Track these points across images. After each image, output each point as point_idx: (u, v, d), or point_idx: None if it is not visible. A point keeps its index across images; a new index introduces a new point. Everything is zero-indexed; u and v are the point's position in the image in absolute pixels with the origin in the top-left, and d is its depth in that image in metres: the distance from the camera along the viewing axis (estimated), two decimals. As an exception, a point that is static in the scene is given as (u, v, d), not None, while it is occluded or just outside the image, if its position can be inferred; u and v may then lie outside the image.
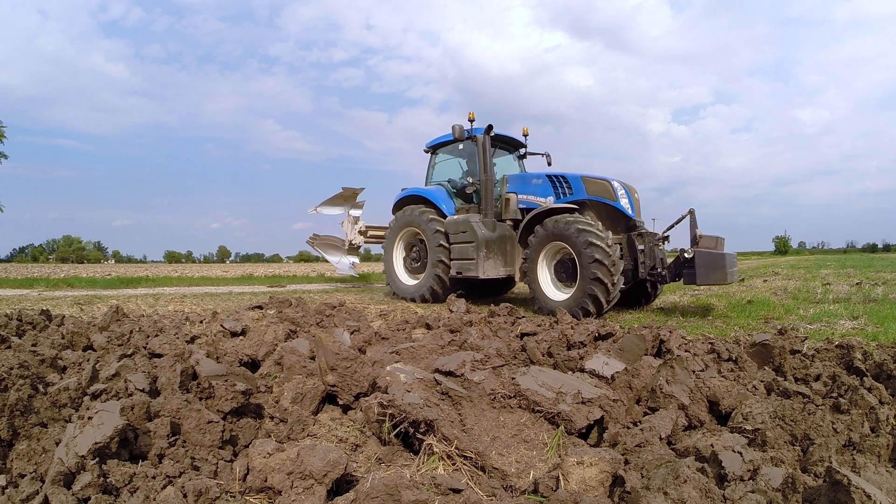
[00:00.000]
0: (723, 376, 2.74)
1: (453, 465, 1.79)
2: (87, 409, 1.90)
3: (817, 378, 2.67)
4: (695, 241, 6.64)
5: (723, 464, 1.59)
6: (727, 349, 3.15)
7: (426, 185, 9.43)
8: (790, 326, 4.95)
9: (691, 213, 6.76)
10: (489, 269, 7.72)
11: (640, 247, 7.01)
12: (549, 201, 7.45)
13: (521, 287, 10.37)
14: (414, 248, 8.95)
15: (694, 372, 2.66)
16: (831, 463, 1.54)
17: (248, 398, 2.18)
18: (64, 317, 4.57)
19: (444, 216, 8.53)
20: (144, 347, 3.24)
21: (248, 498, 1.63)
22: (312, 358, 2.82)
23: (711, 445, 1.76)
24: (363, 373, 2.52)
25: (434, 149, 9.41)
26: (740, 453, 1.62)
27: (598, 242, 6.30)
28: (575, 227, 6.51)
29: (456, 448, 1.82)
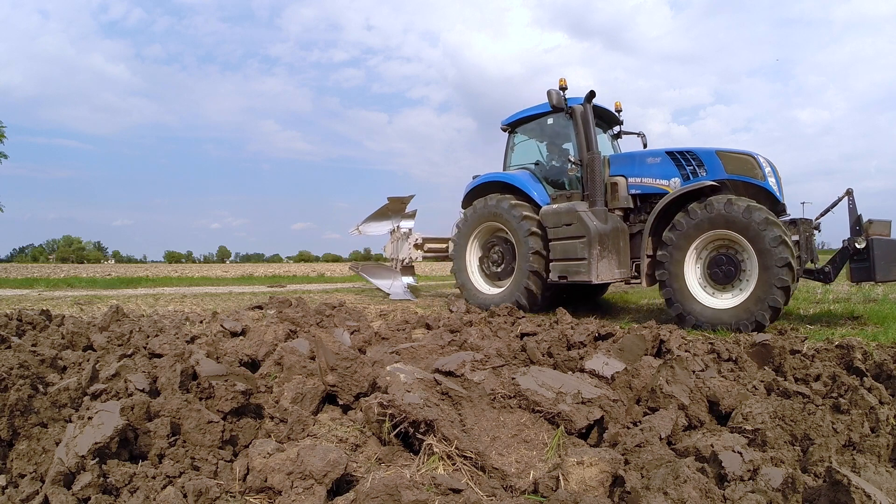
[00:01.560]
0: (723, 376, 2.74)
1: (453, 465, 1.79)
2: (87, 409, 1.90)
3: (817, 378, 2.67)
4: (857, 227, 5.41)
5: (723, 464, 1.59)
6: (727, 349, 3.16)
7: (504, 170, 7.78)
8: (790, 326, 4.95)
9: (849, 193, 5.50)
10: (604, 272, 6.19)
11: (795, 237, 5.50)
12: (675, 183, 6.04)
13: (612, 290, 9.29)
14: (494, 248, 7.40)
15: (694, 372, 2.66)
16: (831, 463, 1.54)
17: (248, 398, 2.18)
18: (64, 317, 4.57)
19: (538, 206, 6.95)
20: (144, 347, 3.24)
21: (248, 498, 1.62)
22: (312, 358, 2.82)
23: (711, 445, 1.76)
24: (363, 373, 2.52)
25: (514, 126, 7.75)
26: (740, 453, 1.62)
27: (788, 241, 5.06)
28: (760, 217, 5.08)
29: (456, 448, 1.82)
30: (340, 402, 2.47)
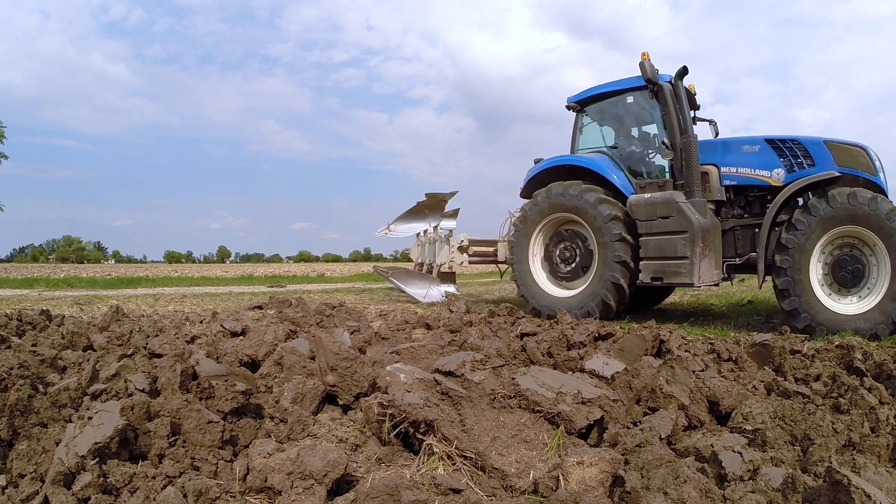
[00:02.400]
0: (723, 376, 2.74)
1: (453, 465, 1.79)
2: (87, 409, 1.90)
3: (817, 378, 2.67)
4: None
5: (723, 464, 1.59)
6: (727, 349, 3.15)
7: (573, 153, 6.89)
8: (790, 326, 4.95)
9: None
10: (705, 273, 5.50)
11: None
12: (778, 175, 5.47)
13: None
14: (562, 244, 6.46)
15: (694, 372, 2.66)
16: (831, 463, 1.54)
17: (248, 398, 2.18)
18: (64, 317, 4.57)
19: (620, 196, 6.08)
20: (144, 347, 3.24)
21: (248, 498, 1.62)
22: (312, 358, 2.82)
23: (711, 445, 1.76)
24: (363, 373, 2.52)
25: (583, 104, 6.80)
26: (740, 453, 1.62)
27: None
28: (887, 209, 4.68)
29: (456, 448, 1.82)
30: (340, 402, 2.47)
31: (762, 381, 2.54)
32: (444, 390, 2.16)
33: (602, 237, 5.92)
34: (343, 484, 1.65)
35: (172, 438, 1.89)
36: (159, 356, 3.03)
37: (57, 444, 1.76)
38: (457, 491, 1.50)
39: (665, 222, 5.56)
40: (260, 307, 6.27)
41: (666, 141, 5.89)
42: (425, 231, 8.83)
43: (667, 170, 6.09)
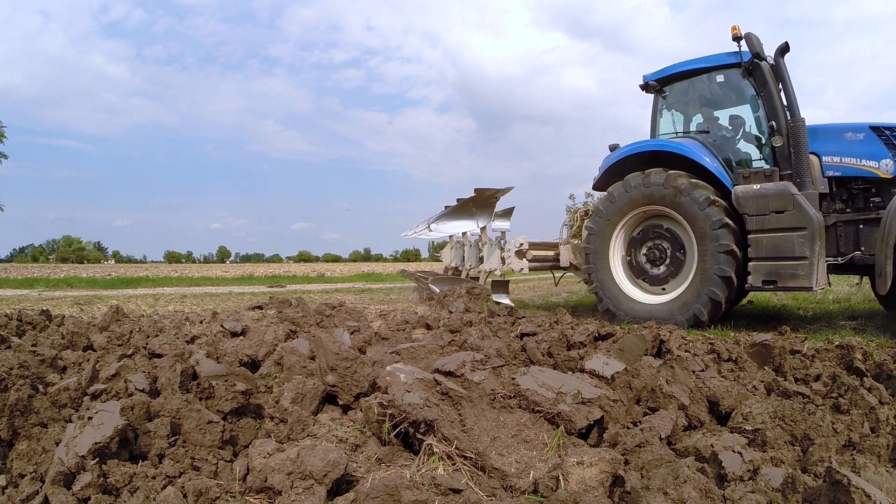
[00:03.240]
0: (723, 376, 2.73)
1: (453, 465, 1.79)
2: (87, 409, 1.90)
3: (817, 378, 2.67)
4: None
5: (723, 464, 1.59)
6: (727, 349, 3.15)
7: (653, 138, 6.13)
8: (790, 326, 4.95)
9: None
10: (821, 276, 4.91)
11: None
12: (886, 166, 4.92)
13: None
14: (648, 243, 5.74)
15: (694, 372, 2.66)
16: (831, 463, 1.54)
17: (248, 398, 2.18)
18: (64, 317, 4.57)
19: (719, 186, 5.39)
20: (144, 347, 3.24)
21: (248, 498, 1.62)
22: (312, 358, 2.82)
23: (711, 445, 1.76)
24: (363, 373, 2.52)
25: (664, 83, 6.08)
26: (740, 453, 1.61)
27: None
28: None
29: (456, 448, 1.82)
30: (340, 402, 2.47)
31: (762, 381, 2.54)
32: (444, 390, 2.16)
33: (700, 227, 5.18)
34: (343, 484, 1.65)
35: (172, 438, 1.89)
36: (159, 356, 3.03)
37: (57, 444, 1.76)
38: (457, 491, 1.50)
39: (779, 217, 4.90)
40: (260, 307, 6.27)
41: (774, 124, 5.23)
42: (464, 233, 7.88)
43: (762, 158, 5.48)
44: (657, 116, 6.18)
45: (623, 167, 5.88)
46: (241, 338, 3.85)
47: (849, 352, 3.10)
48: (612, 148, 6.23)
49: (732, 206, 5.22)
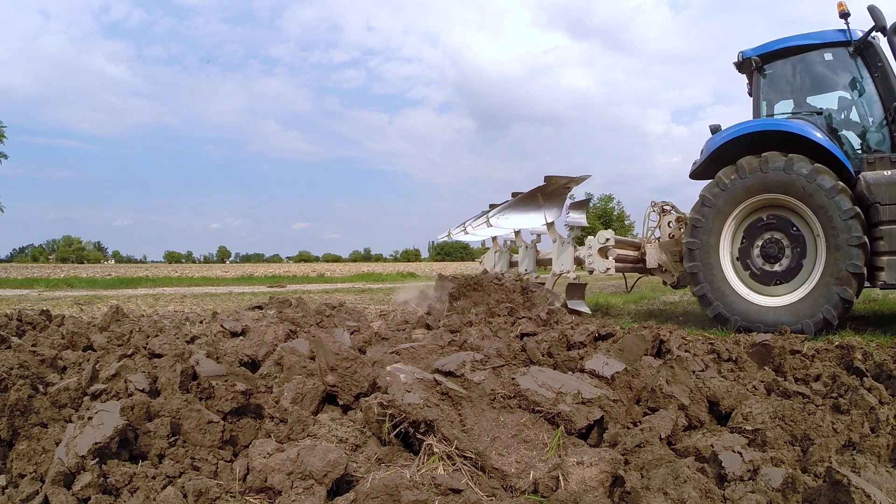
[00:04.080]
0: (723, 376, 2.73)
1: (453, 465, 1.79)
2: (87, 409, 1.90)
3: (817, 378, 2.67)
4: None
5: (723, 464, 1.59)
6: (727, 349, 3.15)
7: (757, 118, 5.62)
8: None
9: None
10: None
11: None
12: None
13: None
14: (765, 236, 5.14)
15: (694, 372, 2.66)
16: (831, 463, 1.54)
17: (248, 398, 2.18)
18: (64, 317, 4.57)
19: (843, 172, 4.89)
20: (144, 347, 3.24)
21: (248, 498, 1.62)
22: (312, 358, 2.82)
23: (711, 445, 1.76)
24: (363, 373, 2.52)
25: (766, 59, 5.60)
26: (740, 453, 1.62)
27: None
28: None
29: (456, 448, 1.82)
30: (340, 402, 2.47)
31: (762, 381, 2.54)
32: (444, 390, 2.16)
33: (828, 217, 4.66)
34: (343, 484, 1.65)
35: (172, 438, 1.89)
36: (159, 356, 3.03)
37: (57, 444, 1.76)
38: (457, 491, 1.50)
39: None
40: (260, 307, 6.27)
41: None
42: (517, 232, 7.05)
43: (880, 142, 5.04)
44: (759, 95, 5.60)
45: (726, 152, 5.28)
46: (241, 338, 3.85)
47: (849, 352, 3.10)
48: (714, 129, 5.64)
49: (855, 194, 4.76)
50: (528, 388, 2.16)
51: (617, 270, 6.34)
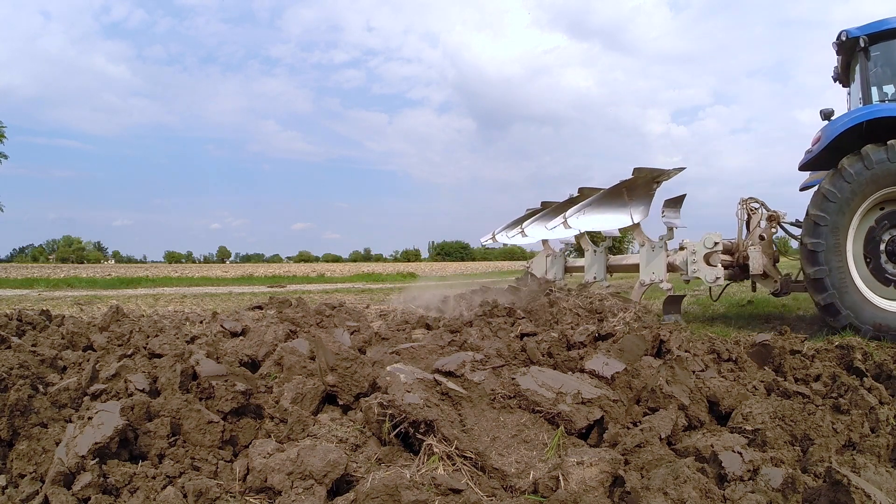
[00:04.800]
0: (723, 376, 2.73)
1: (453, 465, 1.79)
2: (87, 409, 1.90)
3: (817, 378, 2.67)
4: None
5: (723, 464, 1.59)
6: (727, 349, 3.15)
7: (862, 104, 5.12)
8: (790, 326, 4.93)
9: None
10: None
11: None
12: None
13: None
14: (890, 234, 4.75)
15: (694, 372, 2.66)
16: (831, 463, 1.54)
17: (248, 398, 2.18)
18: (64, 317, 4.56)
19: None
20: (144, 347, 3.23)
21: (248, 498, 1.62)
22: (312, 358, 2.82)
23: (711, 445, 1.76)
24: (363, 373, 2.52)
25: (874, 39, 5.09)
26: (740, 453, 1.62)
27: None
28: None
29: (456, 448, 1.82)
30: (340, 402, 2.47)
31: (762, 381, 2.54)
32: (444, 390, 2.16)
33: None
34: (343, 484, 1.65)
35: (172, 438, 1.89)
36: (159, 356, 3.03)
37: (57, 444, 1.76)
38: (457, 491, 1.50)
39: None
40: (260, 307, 6.27)
41: None
42: (582, 234, 6.26)
43: None
44: (866, 77, 5.07)
45: (854, 138, 4.74)
46: (241, 338, 3.84)
47: (849, 352, 3.10)
48: (827, 115, 5.15)
49: None
50: (528, 388, 2.16)
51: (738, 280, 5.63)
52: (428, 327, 4.64)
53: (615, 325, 3.80)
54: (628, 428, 2.07)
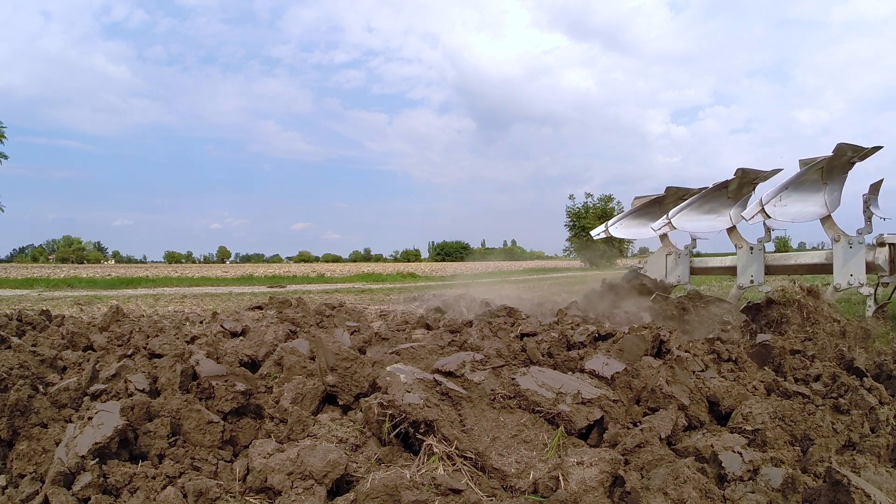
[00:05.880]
0: (723, 376, 2.73)
1: (453, 465, 1.79)
2: (87, 409, 1.90)
3: (817, 378, 2.67)
4: None
5: (723, 464, 1.59)
6: (727, 349, 3.15)
7: None
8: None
9: None
10: None
11: None
12: None
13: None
14: None
15: (694, 372, 2.66)
16: (831, 463, 1.54)
17: (248, 398, 2.18)
18: (64, 317, 4.57)
19: None
20: (144, 347, 3.24)
21: (248, 498, 1.62)
22: (312, 358, 2.82)
23: (711, 445, 1.76)
24: (363, 373, 2.52)
25: None
26: (740, 453, 1.62)
27: None
28: None
29: (456, 448, 1.82)
30: (340, 403, 2.47)
31: (762, 382, 2.54)
32: (444, 390, 2.16)
33: None
34: (343, 484, 1.65)
35: (172, 438, 1.89)
36: (159, 356, 3.03)
37: (57, 444, 1.76)
38: (457, 491, 1.50)
39: None
40: (260, 307, 6.27)
41: None
42: (731, 228, 5.39)
43: None
44: None
45: None
46: (241, 338, 3.85)
47: (848, 352, 3.10)
48: None
49: None
50: (528, 389, 2.16)
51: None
52: (428, 327, 4.64)
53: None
54: (628, 428, 2.07)
